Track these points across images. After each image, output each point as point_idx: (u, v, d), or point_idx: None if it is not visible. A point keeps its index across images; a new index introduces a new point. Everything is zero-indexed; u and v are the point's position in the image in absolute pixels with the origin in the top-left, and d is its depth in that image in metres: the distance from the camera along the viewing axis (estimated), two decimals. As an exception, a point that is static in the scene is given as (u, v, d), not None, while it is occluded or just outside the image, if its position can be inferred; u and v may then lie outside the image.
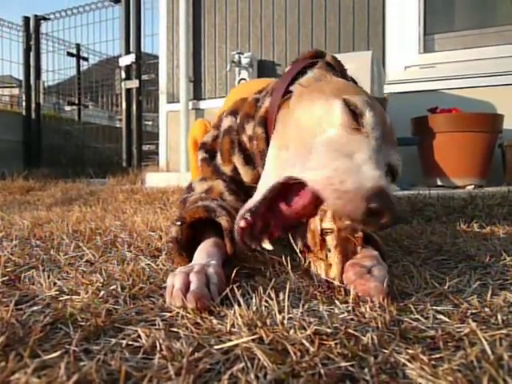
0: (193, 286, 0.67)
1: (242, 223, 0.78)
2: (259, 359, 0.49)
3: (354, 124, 0.75)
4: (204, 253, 0.83)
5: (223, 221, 0.86)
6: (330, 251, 0.75)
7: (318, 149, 0.75)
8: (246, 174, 1.04)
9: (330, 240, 0.74)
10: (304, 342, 0.53)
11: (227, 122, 1.11)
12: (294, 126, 0.83)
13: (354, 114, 0.76)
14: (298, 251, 0.87)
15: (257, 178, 1.02)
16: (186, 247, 0.88)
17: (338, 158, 0.71)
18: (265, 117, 0.95)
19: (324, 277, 0.75)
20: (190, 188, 1.11)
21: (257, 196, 0.81)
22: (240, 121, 1.06)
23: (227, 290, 0.71)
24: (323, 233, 0.75)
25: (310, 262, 0.81)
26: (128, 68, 5.01)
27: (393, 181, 0.81)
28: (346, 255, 0.75)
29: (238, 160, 1.04)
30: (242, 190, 1.04)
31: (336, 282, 0.73)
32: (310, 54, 1.03)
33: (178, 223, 0.88)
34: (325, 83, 0.87)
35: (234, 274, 0.78)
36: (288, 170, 0.77)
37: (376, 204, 0.63)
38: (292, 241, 0.89)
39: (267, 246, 0.80)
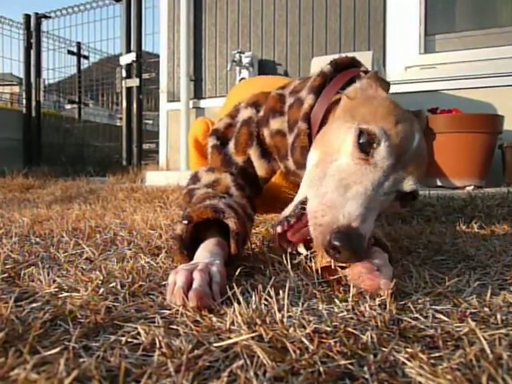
0: (195, 284, 0.67)
1: (279, 229, 0.81)
2: (259, 357, 0.49)
3: (361, 155, 0.78)
4: (207, 252, 0.82)
5: (231, 223, 0.86)
6: None
7: (329, 174, 0.80)
8: (260, 168, 1.05)
9: None
10: (303, 340, 0.53)
11: (247, 112, 1.11)
12: (326, 140, 0.86)
13: (369, 144, 0.78)
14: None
15: (271, 172, 1.05)
16: (188, 245, 0.88)
17: (336, 189, 0.75)
18: (309, 113, 0.96)
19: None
20: (195, 177, 1.09)
21: (292, 204, 0.84)
22: (264, 114, 1.07)
23: (227, 288, 0.71)
24: None
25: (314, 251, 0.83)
26: (128, 66, 5.01)
27: (406, 205, 0.84)
28: None
29: (254, 153, 1.05)
30: (250, 184, 1.04)
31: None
32: (347, 60, 1.04)
33: (185, 222, 0.87)
34: (368, 100, 0.88)
35: (231, 271, 0.78)
36: (312, 188, 0.81)
37: (335, 242, 0.68)
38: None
39: (302, 250, 0.82)
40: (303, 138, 0.95)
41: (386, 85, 0.93)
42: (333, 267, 0.77)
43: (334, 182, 0.77)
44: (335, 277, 0.78)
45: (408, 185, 0.79)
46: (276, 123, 1.03)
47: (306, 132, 0.94)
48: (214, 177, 1.04)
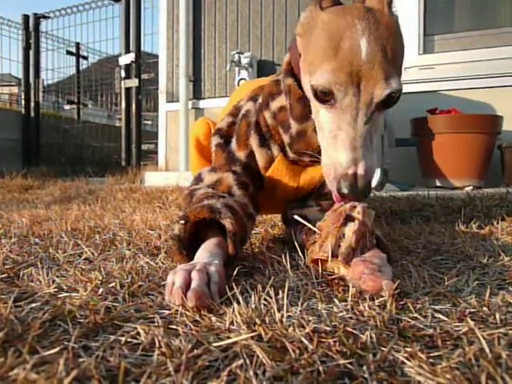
0: (194, 284, 0.67)
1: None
2: (258, 356, 0.49)
3: (327, 105, 0.83)
4: (207, 252, 0.82)
5: (227, 223, 0.85)
6: (344, 236, 0.79)
7: (320, 130, 0.87)
8: (260, 157, 1.06)
9: (352, 226, 0.79)
10: (303, 339, 0.53)
11: (246, 107, 1.12)
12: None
13: (326, 95, 0.82)
14: (297, 245, 0.90)
15: (270, 161, 1.06)
16: (187, 245, 0.87)
17: (329, 144, 0.83)
18: (288, 68, 0.99)
19: (329, 251, 0.78)
20: (198, 178, 1.08)
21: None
22: (263, 100, 1.08)
23: (227, 288, 0.71)
24: (348, 217, 0.80)
25: (314, 242, 0.85)
26: (128, 67, 5.01)
27: (390, 105, 0.86)
28: (357, 245, 0.78)
29: (254, 141, 1.06)
30: (253, 180, 1.04)
31: (340, 259, 0.77)
32: None
33: (182, 222, 0.87)
34: (309, 36, 0.87)
35: (233, 274, 0.78)
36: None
37: (344, 190, 0.78)
38: (294, 238, 0.90)
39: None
40: (295, 91, 0.97)
41: None
42: (329, 260, 0.78)
43: (325, 137, 0.84)
44: (333, 277, 0.78)
45: (381, 92, 0.79)
46: (277, 103, 1.04)
47: (293, 84, 0.97)
48: (217, 177, 1.04)
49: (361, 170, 0.77)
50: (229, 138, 1.12)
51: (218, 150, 1.12)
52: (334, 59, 0.78)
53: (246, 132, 1.08)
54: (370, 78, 0.78)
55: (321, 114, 0.85)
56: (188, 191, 1.06)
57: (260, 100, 1.10)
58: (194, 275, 0.69)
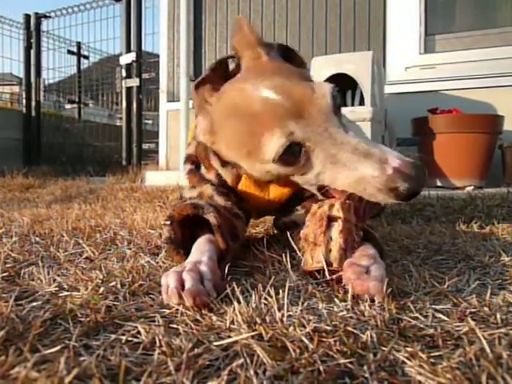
0: (187, 285, 0.68)
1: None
2: (258, 356, 0.49)
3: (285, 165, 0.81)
4: (197, 250, 0.83)
5: (211, 217, 0.87)
6: (331, 239, 0.77)
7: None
8: (226, 175, 1.03)
9: (336, 226, 0.77)
10: (303, 339, 0.53)
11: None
12: None
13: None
14: (296, 248, 0.87)
15: (237, 178, 1.02)
16: (182, 245, 0.89)
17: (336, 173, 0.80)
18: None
19: (322, 260, 0.76)
20: (180, 198, 1.12)
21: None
22: None
23: (227, 287, 0.71)
24: (330, 218, 0.78)
25: (303, 253, 0.82)
26: (128, 66, 5.01)
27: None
28: (346, 245, 0.77)
29: (215, 163, 1.03)
30: (230, 193, 1.03)
31: (335, 265, 0.75)
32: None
33: (168, 222, 0.89)
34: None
35: (231, 270, 0.78)
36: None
37: (410, 172, 0.73)
38: (291, 240, 0.90)
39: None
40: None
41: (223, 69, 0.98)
42: (326, 269, 0.75)
43: (326, 169, 0.79)
44: (334, 276, 0.77)
45: (320, 99, 0.78)
46: None
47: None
48: (197, 191, 1.05)
49: (396, 162, 0.71)
50: (198, 163, 1.11)
51: (190, 175, 1.12)
52: (265, 127, 0.77)
53: (205, 156, 1.06)
54: (305, 105, 0.77)
55: (299, 176, 0.82)
56: (172, 208, 1.08)
57: None
58: (186, 276, 0.70)
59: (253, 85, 0.80)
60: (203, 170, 1.09)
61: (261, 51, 0.88)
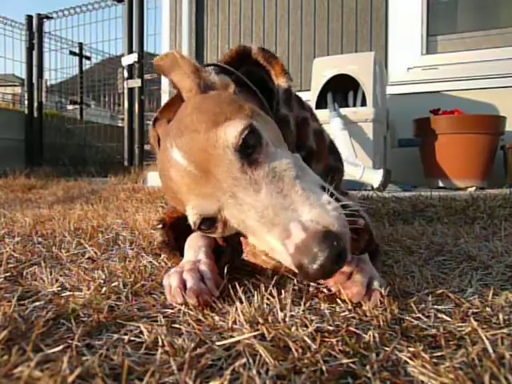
0: (189, 284, 0.69)
1: None
2: (261, 355, 0.49)
3: (206, 229, 0.75)
4: (192, 249, 0.83)
5: None
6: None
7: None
8: None
9: None
10: (306, 339, 0.53)
11: None
12: None
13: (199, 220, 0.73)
14: None
15: None
16: (176, 246, 0.89)
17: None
18: None
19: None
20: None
21: None
22: None
23: (229, 287, 0.71)
24: None
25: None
26: (130, 67, 5.01)
27: None
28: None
29: None
30: None
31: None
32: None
33: (160, 226, 0.90)
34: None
35: (233, 270, 0.78)
36: None
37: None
38: None
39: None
40: None
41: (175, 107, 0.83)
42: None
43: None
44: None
45: (223, 154, 0.65)
46: None
47: None
48: None
49: (297, 237, 0.57)
50: None
51: None
52: (177, 197, 0.73)
53: None
54: (211, 165, 0.66)
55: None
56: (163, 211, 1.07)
57: None
58: (187, 276, 0.71)
59: (170, 144, 0.72)
60: None
61: (192, 82, 0.79)
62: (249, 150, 0.66)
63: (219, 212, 0.68)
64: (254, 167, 0.66)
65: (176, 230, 0.91)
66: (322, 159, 1.04)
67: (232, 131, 0.66)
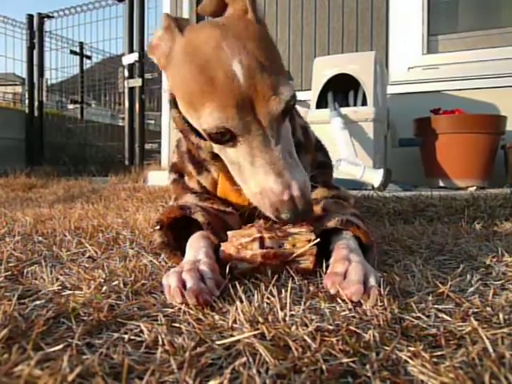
0: (188, 284, 0.68)
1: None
2: (261, 355, 0.49)
3: (221, 146, 0.82)
4: (193, 249, 0.83)
5: (199, 216, 0.87)
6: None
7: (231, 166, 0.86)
8: (205, 182, 1.02)
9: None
10: (306, 338, 0.53)
11: (178, 135, 1.07)
12: None
13: (222, 135, 0.78)
14: None
15: (215, 183, 1.01)
16: (176, 246, 0.89)
17: (244, 180, 0.82)
18: (173, 98, 0.93)
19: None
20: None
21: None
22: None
23: (229, 286, 0.71)
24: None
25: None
26: (131, 67, 5.01)
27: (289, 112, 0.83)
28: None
29: (192, 171, 1.03)
30: (216, 198, 1.02)
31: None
32: None
33: (158, 227, 0.89)
34: (173, 70, 0.85)
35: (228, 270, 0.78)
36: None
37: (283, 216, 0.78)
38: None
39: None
40: (179, 124, 0.92)
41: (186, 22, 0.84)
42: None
43: (243, 168, 0.79)
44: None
45: (276, 107, 0.74)
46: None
47: (177, 117, 0.91)
48: (181, 202, 1.03)
49: (296, 191, 0.74)
50: (182, 171, 1.11)
51: (174, 185, 1.12)
52: (214, 95, 0.72)
53: (183, 163, 1.05)
54: (260, 99, 0.72)
55: (227, 152, 0.80)
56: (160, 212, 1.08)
57: None
58: (186, 276, 0.70)
59: (227, 47, 0.73)
60: (186, 178, 1.08)
61: (250, 6, 0.80)
62: (288, 109, 0.76)
63: (239, 135, 0.75)
64: (281, 126, 0.77)
65: (175, 231, 0.91)
66: (309, 152, 1.05)
67: (287, 89, 0.75)
